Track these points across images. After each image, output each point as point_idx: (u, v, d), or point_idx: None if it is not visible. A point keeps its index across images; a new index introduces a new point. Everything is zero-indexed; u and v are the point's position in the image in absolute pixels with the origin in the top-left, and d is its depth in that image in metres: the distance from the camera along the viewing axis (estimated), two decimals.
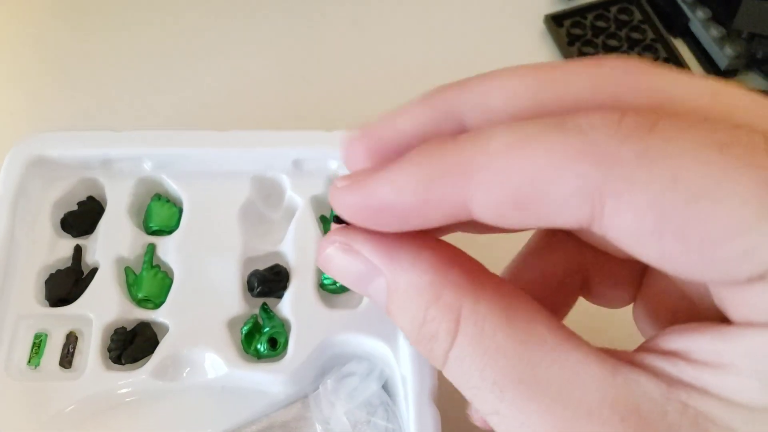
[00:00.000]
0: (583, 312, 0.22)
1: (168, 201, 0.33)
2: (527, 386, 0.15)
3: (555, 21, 0.46)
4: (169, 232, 0.32)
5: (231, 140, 0.32)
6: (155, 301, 0.30)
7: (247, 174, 0.33)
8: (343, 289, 0.31)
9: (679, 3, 0.46)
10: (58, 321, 0.30)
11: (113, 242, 0.31)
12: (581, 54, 0.45)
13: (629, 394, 0.14)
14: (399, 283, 0.17)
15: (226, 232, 0.32)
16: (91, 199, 0.33)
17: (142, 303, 0.30)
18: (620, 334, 0.22)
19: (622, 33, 0.46)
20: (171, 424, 0.29)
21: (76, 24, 0.47)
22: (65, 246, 0.32)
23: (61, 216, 0.32)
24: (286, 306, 0.30)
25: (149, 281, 0.31)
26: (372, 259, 0.17)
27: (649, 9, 0.46)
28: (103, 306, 0.30)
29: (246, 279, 0.31)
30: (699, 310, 0.18)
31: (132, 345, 0.29)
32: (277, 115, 0.43)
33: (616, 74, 0.15)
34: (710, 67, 0.44)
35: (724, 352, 0.14)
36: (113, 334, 0.29)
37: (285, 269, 0.31)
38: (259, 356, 0.29)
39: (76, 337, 0.30)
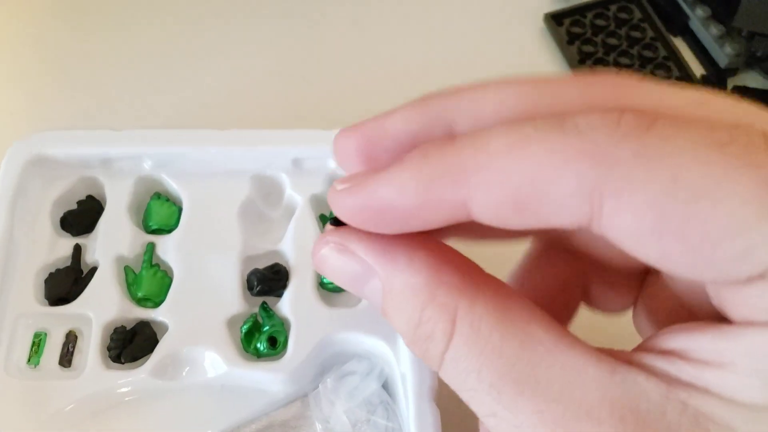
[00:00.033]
0: (581, 311, 0.22)
1: (167, 200, 0.33)
2: (525, 387, 0.15)
3: (555, 19, 0.46)
4: (169, 231, 0.32)
5: (230, 139, 0.32)
6: (155, 300, 0.30)
7: (246, 173, 0.33)
8: (342, 288, 0.31)
9: (678, 1, 0.46)
10: (58, 320, 0.30)
11: (113, 241, 0.31)
12: (581, 52, 0.45)
13: (628, 394, 0.14)
14: (394, 284, 0.17)
15: (226, 231, 0.32)
16: (90, 198, 0.33)
17: (141, 302, 0.30)
18: (620, 332, 0.22)
19: (622, 31, 0.46)
20: (171, 423, 0.29)
21: (76, 24, 0.47)
22: (65, 245, 0.32)
23: (61, 215, 0.32)
24: (286, 305, 0.30)
25: (149, 280, 0.31)
26: (367, 260, 0.17)
27: (648, 7, 0.46)
28: (102, 305, 0.30)
29: (245, 278, 0.31)
30: (697, 312, 0.18)
31: (131, 344, 0.29)
32: (277, 115, 0.43)
33: (605, 87, 0.15)
34: (710, 65, 0.44)
35: (724, 351, 0.14)
36: (113, 333, 0.29)
37: (284, 268, 0.31)
38: (258, 355, 0.29)
39: (76, 336, 0.30)
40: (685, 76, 0.44)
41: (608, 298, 0.21)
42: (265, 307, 0.30)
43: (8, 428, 0.27)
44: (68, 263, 0.31)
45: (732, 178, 0.12)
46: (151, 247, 0.31)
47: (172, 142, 0.33)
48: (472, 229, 0.19)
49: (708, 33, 0.44)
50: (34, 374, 0.29)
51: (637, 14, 0.46)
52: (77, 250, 0.32)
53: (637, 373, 0.14)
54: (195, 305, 0.30)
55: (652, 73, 0.44)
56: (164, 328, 0.30)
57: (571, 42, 0.45)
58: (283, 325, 0.30)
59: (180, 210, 0.33)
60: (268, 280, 0.31)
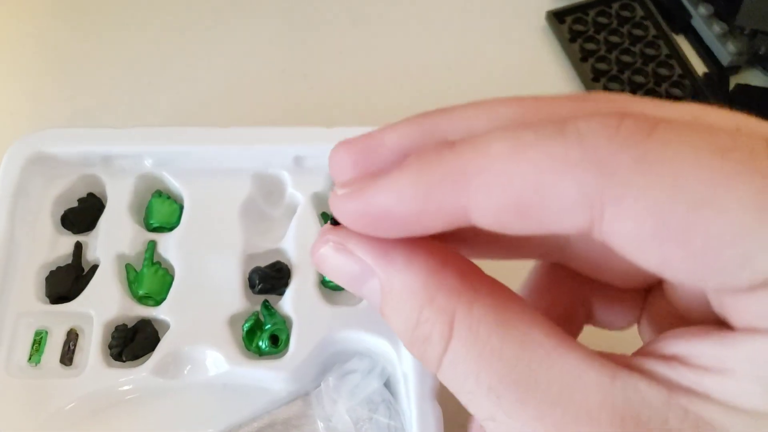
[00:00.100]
0: None
1: (169, 198, 0.33)
2: (524, 390, 0.14)
3: (557, 17, 0.46)
4: (170, 229, 0.32)
5: (232, 137, 0.32)
6: (156, 298, 0.30)
7: (248, 171, 0.33)
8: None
9: None
10: (59, 318, 0.30)
11: (114, 239, 0.31)
12: (583, 50, 0.45)
13: (629, 400, 0.14)
14: (393, 284, 0.17)
15: (227, 229, 0.31)
16: (91, 195, 0.33)
17: (142, 300, 0.30)
18: (621, 335, 0.22)
19: (624, 29, 0.45)
20: (172, 421, 0.29)
21: (76, 24, 0.47)
22: (65, 243, 0.31)
23: (62, 213, 0.32)
24: (288, 303, 0.30)
25: (150, 278, 0.30)
26: (366, 260, 0.17)
27: (651, 5, 0.46)
28: (103, 303, 0.30)
29: (247, 276, 0.31)
30: (698, 319, 0.17)
31: (133, 342, 0.29)
32: (277, 114, 0.43)
33: (600, 102, 0.15)
34: (712, 63, 0.44)
35: (725, 358, 0.14)
36: (114, 332, 0.29)
37: (286, 266, 0.31)
38: (260, 353, 0.29)
39: (77, 335, 0.30)
40: (687, 74, 0.43)
41: (612, 316, 0.21)
42: (266, 305, 0.30)
43: (9, 427, 0.27)
44: (69, 261, 0.31)
45: (734, 186, 0.12)
46: (152, 245, 0.31)
47: (173, 140, 0.32)
48: (472, 244, 0.19)
49: (710, 31, 0.44)
50: (35, 373, 0.29)
51: (640, 12, 0.46)
52: (78, 248, 0.31)
53: (639, 378, 0.14)
54: (196, 303, 0.30)
55: (654, 71, 0.44)
56: (165, 327, 0.29)
57: (573, 40, 0.45)
58: (285, 324, 0.30)
59: (181, 208, 0.32)
60: (270, 279, 0.31)
